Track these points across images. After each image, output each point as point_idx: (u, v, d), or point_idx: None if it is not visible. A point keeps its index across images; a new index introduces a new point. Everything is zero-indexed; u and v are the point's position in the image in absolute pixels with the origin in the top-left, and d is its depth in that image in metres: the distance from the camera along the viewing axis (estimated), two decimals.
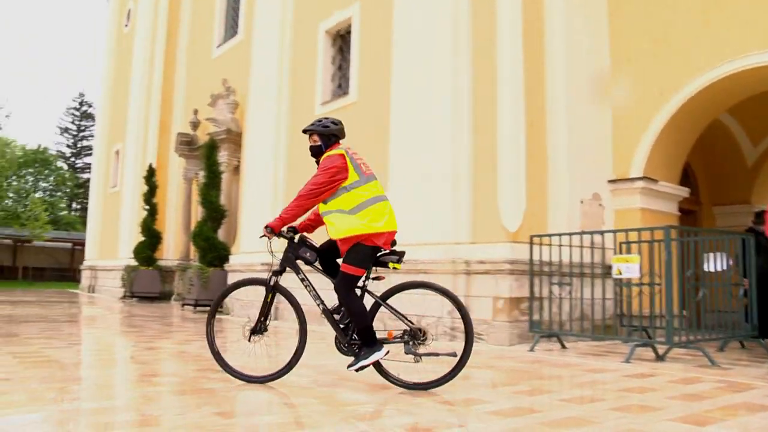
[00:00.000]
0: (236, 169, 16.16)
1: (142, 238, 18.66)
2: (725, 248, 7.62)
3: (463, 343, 4.60)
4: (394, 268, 4.65)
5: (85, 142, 60.15)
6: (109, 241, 22.87)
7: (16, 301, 17.36)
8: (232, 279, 13.56)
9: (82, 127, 60.10)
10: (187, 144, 18.34)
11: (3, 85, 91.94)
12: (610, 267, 8.65)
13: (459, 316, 8.14)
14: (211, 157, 14.92)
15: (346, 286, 4.55)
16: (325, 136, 4.80)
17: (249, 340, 4.67)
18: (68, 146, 59.89)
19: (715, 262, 7.62)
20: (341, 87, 11.79)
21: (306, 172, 11.74)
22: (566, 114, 8.87)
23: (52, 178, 53.52)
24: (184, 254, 18.20)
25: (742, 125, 11.08)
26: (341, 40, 12.03)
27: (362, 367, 4.46)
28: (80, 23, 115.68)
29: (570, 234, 7.74)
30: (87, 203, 58.29)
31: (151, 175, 18.74)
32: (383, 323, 5.15)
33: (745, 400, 4.52)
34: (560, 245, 7.82)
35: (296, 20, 12.92)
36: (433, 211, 8.88)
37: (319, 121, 4.86)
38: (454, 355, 4.52)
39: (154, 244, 18.62)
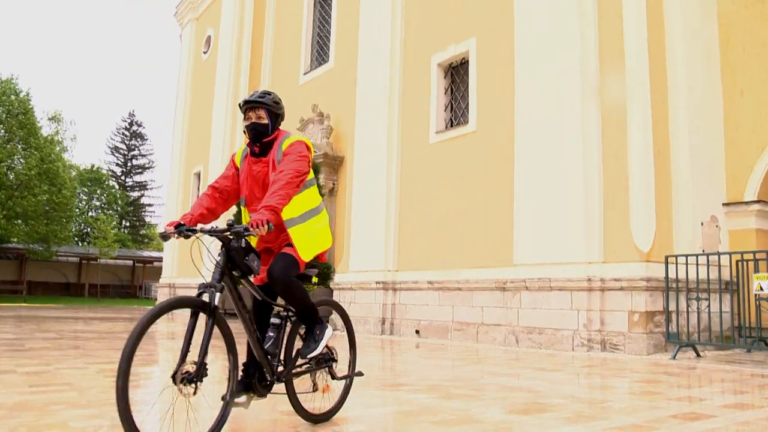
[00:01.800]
0: (331, 191, 17.09)
1: None
2: None
3: (348, 365, 4.18)
4: (314, 282, 4.03)
5: (134, 161, 61.86)
6: (189, 259, 23.92)
7: (116, 318, 18.39)
8: (341, 297, 14.43)
9: (132, 147, 61.82)
10: None
11: (67, 105, 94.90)
12: (727, 283, 9.45)
13: (595, 329, 8.92)
14: None
15: (293, 268, 3.57)
16: (275, 114, 3.74)
17: (181, 393, 2.92)
18: (118, 165, 61.59)
19: None
20: (455, 116, 12.69)
21: (417, 195, 12.67)
22: (689, 144, 9.67)
23: (104, 197, 55.26)
24: None
25: None
26: (453, 71, 12.96)
27: (321, 348, 3.65)
28: (121, 43, 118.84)
29: (707, 254, 8.50)
30: (137, 221, 60.11)
31: None
32: None
33: None
34: (697, 264, 8.59)
35: (405, 52, 13.86)
36: (566, 235, 9.68)
37: (268, 93, 3.76)
38: (361, 374, 4.18)
39: None
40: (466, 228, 11.73)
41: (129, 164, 61.79)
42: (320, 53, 19.68)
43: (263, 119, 3.69)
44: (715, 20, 10.62)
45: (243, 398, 3.51)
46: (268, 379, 3.55)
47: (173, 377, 2.93)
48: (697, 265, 8.70)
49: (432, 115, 12.89)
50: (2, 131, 32.41)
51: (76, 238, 45.87)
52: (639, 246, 8.99)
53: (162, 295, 26.22)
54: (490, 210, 11.27)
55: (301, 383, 3.85)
